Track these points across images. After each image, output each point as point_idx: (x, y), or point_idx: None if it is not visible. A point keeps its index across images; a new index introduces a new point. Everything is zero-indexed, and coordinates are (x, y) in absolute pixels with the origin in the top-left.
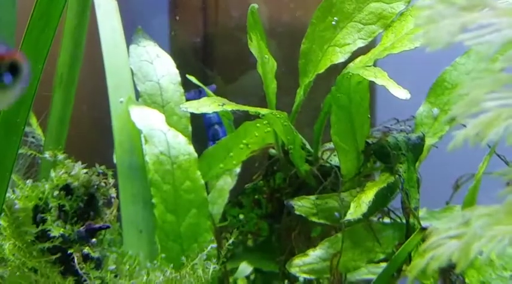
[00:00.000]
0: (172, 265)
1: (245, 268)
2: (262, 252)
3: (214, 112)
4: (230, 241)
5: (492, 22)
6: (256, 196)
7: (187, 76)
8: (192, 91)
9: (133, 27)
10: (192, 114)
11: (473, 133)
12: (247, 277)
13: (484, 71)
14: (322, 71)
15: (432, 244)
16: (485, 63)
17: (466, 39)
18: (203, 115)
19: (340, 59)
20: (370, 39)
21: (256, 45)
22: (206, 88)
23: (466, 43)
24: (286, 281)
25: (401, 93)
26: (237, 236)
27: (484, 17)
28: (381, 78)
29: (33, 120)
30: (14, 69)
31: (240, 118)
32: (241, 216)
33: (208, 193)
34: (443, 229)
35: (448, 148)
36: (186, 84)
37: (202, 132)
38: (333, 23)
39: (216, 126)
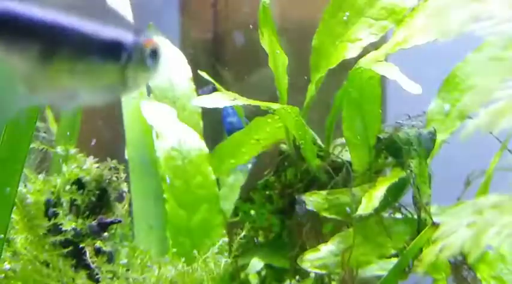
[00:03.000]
0: (183, 259)
1: (256, 263)
2: (273, 248)
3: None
4: (242, 235)
5: (503, 12)
6: (267, 192)
7: (199, 72)
8: (204, 88)
9: (144, 24)
10: (205, 109)
11: (485, 122)
12: (259, 273)
13: (495, 59)
14: (333, 66)
15: (444, 233)
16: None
17: (477, 30)
18: (221, 109)
19: (352, 54)
20: (381, 35)
21: (267, 40)
22: (218, 85)
23: (477, 33)
24: (297, 277)
25: (413, 87)
26: (248, 231)
27: (495, 7)
28: (393, 73)
29: (50, 114)
30: (153, 54)
31: (251, 116)
32: (252, 212)
33: (219, 189)
34: (455, 218)
35: (460, 138)
36: (197, 81)
37: (214, 128)
38: (345, 18)
39: (233, 119)
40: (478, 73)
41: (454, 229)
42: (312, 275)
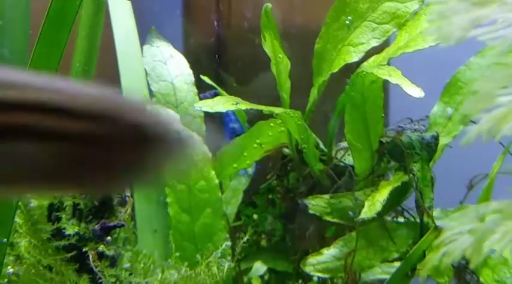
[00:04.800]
0: (186, 263)
1: (259, 267)
2: (276, 252)
3: (232, 111)
4: (245, 239)
5: (505, 17)
6: (270, 196)
7: (202, 77)
8: (207, 93)
9: (146, 29)
10: (207, 115)
11: (486, 128)
12: (261, 277)
13: (496, 65)
14: (336, 70)
15: (445, 239)
16: (498, 58)
17: (478, 35)
18: (223, 114)
19: (354, 58)
20: (384, 39)
21: (270, 45)
22: (221, 89)
23: (479, 38)
24: (300, 281)
25: (415, 91)
26: (251, 236)
27: (497, 12)
28: (395, 77)
29: None
30: None
31: (253, 120)
32: (255, 216)
33: (222, 193)
34: (457, 224)
35: (461, 144)
36: (199, 86)
37: (216, 133)
38: (347, 22)
39: (235, 125)
40: (480, 78)
41: (456, 236)
42: (315, 279)
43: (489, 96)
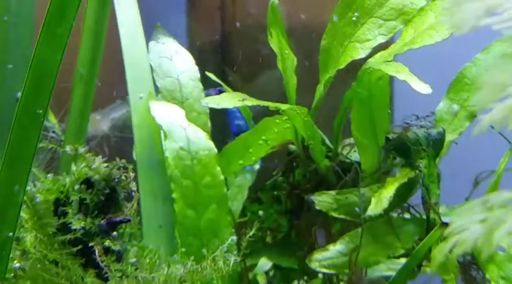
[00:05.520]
0: (192, 258)
1: (265, 263)
2: (281, 248)
3: (237, 108)
4: (251, 233)
5: None
6: (275, 193)
7: (207, 73)
8: (211, 90)
9: (151, 26)
10: (215, 112)
11: (498, 117)
12: (267, 273)
13: (509, 55)
14: (342, 66)
15: (456, 230)
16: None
17: (492, 24)
18: (228, 111)
19: (361, 54)
20: (390, 35)
21: (276, 41)
22: (225, 86)
23: (492, 27)
24: (305, 278)
25: (422, 87)
26: (256, 232)
27: (510, 0)
28: (402, 73)
29: (52, 117)
30: None
31: (259, 118)
32: (260, 212)
33: (227, 190)
34: (466, 214)
35: (473, 134)
36: (204, 83)
37: (222, 130)
38: (354, 18)
39: (241, 122)
40: (490, 68)
41: (466, 226)
42: (320, 275)
43: (501, 86)
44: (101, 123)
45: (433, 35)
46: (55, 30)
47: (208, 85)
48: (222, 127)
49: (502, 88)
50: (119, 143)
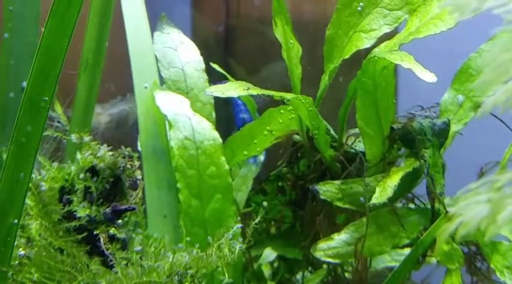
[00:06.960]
0: (197, 246)
1: (269, 253)
2: (285, 239)
3: (242, 101)
4: (256, 220)
5: None
6: (280, 183)
7: (211, 64)
8: (217, 83)
9: (156, 17)
10: (219, 105)
11: (502, 99)
12: (271, 264)
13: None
14: (347, 56)
15: (460, 209)
16: None
17: (494, 7)
18: (233, 104)
19: (366, 44)
20: (395, 25)
21: (281, 30)
22: (230, 77)
23: (494, 11)
24: (310, 268)
25: (428, 76)
26: (260, 223)
27: None
28: (407, 62)
29: (58, 107)
30: None
31: (263, 110)
32: (264, 203)
33: (232, 180)
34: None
35: (476, 116)
36: (208, 75)
37: (226, 121)
38: (359, 8)
39: (245, 115)
40: (496, 50)
41: (472, 206)
42: (325, 266)
43: (505, 67)
44: (100, 116)
45: (438, 25)
46: (62, 18)
47: (212, 77)
48: (227, 119)
49: (506, 70)
50: (115, 138)
